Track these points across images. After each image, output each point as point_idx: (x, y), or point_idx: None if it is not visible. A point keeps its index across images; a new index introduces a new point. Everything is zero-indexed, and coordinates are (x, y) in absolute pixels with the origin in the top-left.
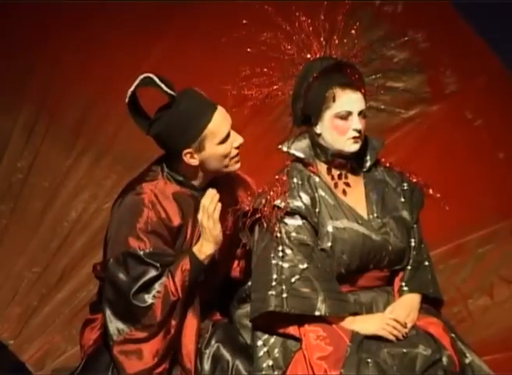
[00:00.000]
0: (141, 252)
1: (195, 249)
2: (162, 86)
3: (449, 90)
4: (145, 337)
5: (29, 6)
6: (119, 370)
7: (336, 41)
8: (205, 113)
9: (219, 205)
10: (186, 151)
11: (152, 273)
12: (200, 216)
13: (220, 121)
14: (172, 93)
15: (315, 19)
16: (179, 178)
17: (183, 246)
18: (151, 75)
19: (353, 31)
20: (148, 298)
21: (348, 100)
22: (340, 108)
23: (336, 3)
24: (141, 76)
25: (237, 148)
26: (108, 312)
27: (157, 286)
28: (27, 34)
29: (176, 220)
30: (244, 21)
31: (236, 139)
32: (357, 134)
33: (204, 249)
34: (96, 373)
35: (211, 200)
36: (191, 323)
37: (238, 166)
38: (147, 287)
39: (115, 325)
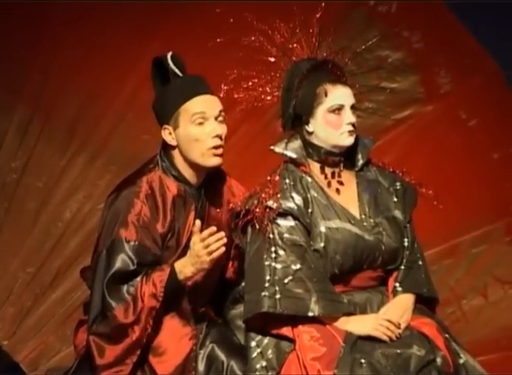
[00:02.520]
0: (126, 243)
1: (177, 266)
2: (169, 61)
3: (444, 90)
4: (107, 335)
5: (23, 6)
6: (90, 357)
7: (317, 43)
8: (188, 92)
9: (223, 248)
10: (165, 126)
11: (129, 266)
12: (198, 246)
13: (199, 102)
14: (174, 70)
15: (308, 20)
16: (174, 172)
17: (171, 241)
18: (170, 53)
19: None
20: (119, 295)
21: (340, 94)
22: (333, 102)
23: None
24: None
25: (217, 138)
26: (92, 301)
27: (131, 287)
28: (22, 34)
29: (168, 217)
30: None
31: (215, 129)
32: (351, 128)
33: (186, 271)
34: (89, 373)
35: (216, 239)
36: (174, 332)
37: (216, 160)
38: (120, 279)
39: (93, 315)
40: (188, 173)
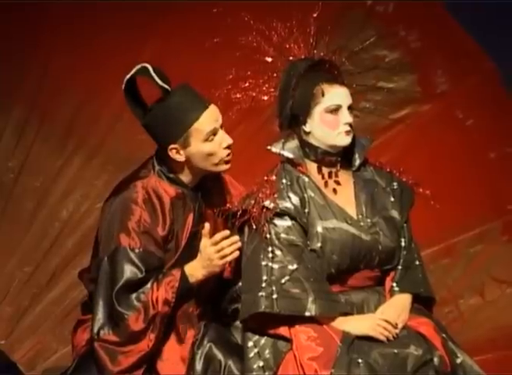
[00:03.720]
0: (131, 251)
1: (187, 270)
2: (155, 78)
3: (441, 89)
4: (121, 343)
5: (19, 7)
6: (98, 364)
7: (314, 42)
8: (194, 110)
9: (237, 253)
10: (171, 146)
11: (137, 275)
12: (210, 250)
13: (208, 119)
14: (164, 86)
15: (305, 20)
16: (170, 175)
17: (170, 243)
18: (146, 65)
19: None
20: (130, 303)
21: (337, 94)
22: (330, 102)
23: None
24: (138, 66)
25: (227, 148)
26: (95, 308)
27: (141, 294)
28: (19, 34)
29: (167, 220)
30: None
31: (225, 139)
32: (348, 128)
33: (197, 274)
34: (88, 374)
35: (230, 243)
36: (179, 337)
37: (227, 166)
38: (130, 288)
39: (99, 322)
40: (186, 177)
